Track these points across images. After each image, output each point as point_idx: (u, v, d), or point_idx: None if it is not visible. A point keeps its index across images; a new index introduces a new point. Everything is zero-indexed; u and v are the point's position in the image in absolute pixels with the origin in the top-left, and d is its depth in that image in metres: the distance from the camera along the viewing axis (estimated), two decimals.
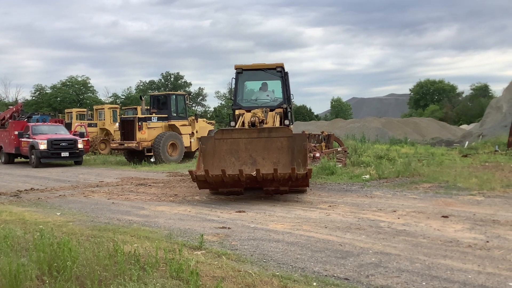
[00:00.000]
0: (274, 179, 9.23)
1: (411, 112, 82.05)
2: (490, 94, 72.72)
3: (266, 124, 11.54)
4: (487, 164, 13.49)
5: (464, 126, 53.57)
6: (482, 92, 74.95)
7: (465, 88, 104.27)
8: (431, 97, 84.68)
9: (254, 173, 9.19)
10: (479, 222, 7.20)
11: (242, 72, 12.77)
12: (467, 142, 25.64)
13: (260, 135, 10.16)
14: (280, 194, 10.15)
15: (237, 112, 12.47)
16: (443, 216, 7.68)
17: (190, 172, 9.21)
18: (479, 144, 21.68)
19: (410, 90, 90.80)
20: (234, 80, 12.78)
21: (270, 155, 10.12)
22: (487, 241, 6.06)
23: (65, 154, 21.31)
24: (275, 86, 13.36)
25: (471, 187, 10.37)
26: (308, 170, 9.29)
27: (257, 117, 11.23)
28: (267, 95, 13.14)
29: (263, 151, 10.13)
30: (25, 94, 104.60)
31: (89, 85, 67.45)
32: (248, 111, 12.24)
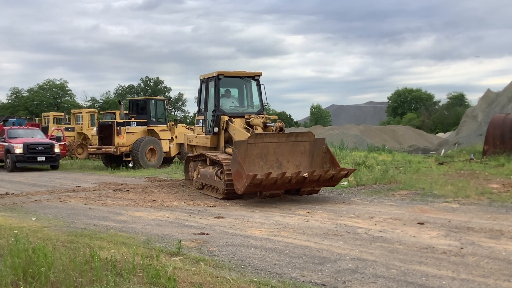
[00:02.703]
0: (319, 179, 9.99)
1: (389, 120, 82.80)
2: (466, 103, 73.86)
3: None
4: (462, 172, 13.69)
5: (441, 134, 54.27)
6: (458, 101, 76.14)
7: (441, 97, 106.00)
8: (408, 106, 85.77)
9: (306, 175, 9.76)
10: (454, 229, 7.32)
11: (222, 79, 12.70)
12: (443, 150, 25.99)
13: (288, 139, 10.65)
14: (307, 194, 10.87)
15: (225, 118, 12.20)
16: (419, 223, 7.79)
17: (254, 175, 9.32)
18: (455, 152, 21.97)
19: (388, 98, 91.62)
20: (215, 86, 12.65)
21: (294, 159, 10.68)
22: (462, 248, 6.17)
23: (41, 158, 20.95)
24: (234, 93, 13.39)
25: (446, 194, 10.53)
26: (350, 170, 10.62)
27: (279, 121, 11.57)
28: (232, 102, 13.12)
29: (288, 154, 10.64)
30: (1, 97, 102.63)
31: (66, 88, 66.52)
32: (232, 117, 12.13)
